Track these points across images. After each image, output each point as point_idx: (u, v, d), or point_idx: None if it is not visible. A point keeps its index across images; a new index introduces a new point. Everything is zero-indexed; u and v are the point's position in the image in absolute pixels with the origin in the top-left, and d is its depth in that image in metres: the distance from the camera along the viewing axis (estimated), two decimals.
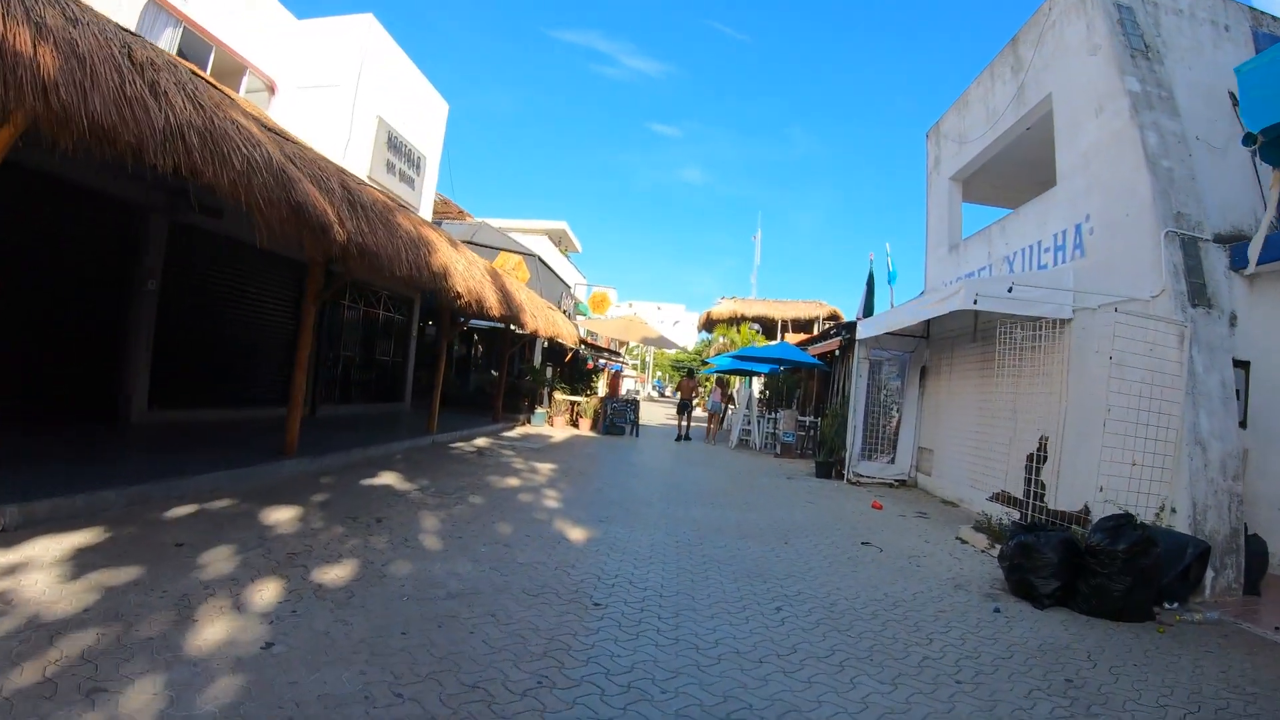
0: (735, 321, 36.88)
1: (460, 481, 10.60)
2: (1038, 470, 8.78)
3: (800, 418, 21.81)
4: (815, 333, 28.17)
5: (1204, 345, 7.85)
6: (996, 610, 6.37)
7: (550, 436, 19.84)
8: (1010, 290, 8.23)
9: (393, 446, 13.23)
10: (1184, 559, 6.88)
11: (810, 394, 24.97)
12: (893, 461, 15.25)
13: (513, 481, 11.08)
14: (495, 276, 13.42)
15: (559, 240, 42.67)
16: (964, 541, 9.28)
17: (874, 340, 14.72)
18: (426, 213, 21.81)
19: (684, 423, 24.41)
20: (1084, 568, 6.62)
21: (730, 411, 29.63)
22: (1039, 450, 8.80)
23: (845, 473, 14.94)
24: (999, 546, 8.44)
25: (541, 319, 16.68)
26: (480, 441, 16.48)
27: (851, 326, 18.79)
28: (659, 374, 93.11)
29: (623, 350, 68.97)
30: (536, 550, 7.00)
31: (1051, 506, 8.69)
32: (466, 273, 11.03)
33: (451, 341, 25.23)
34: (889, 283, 21.15)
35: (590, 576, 6.29)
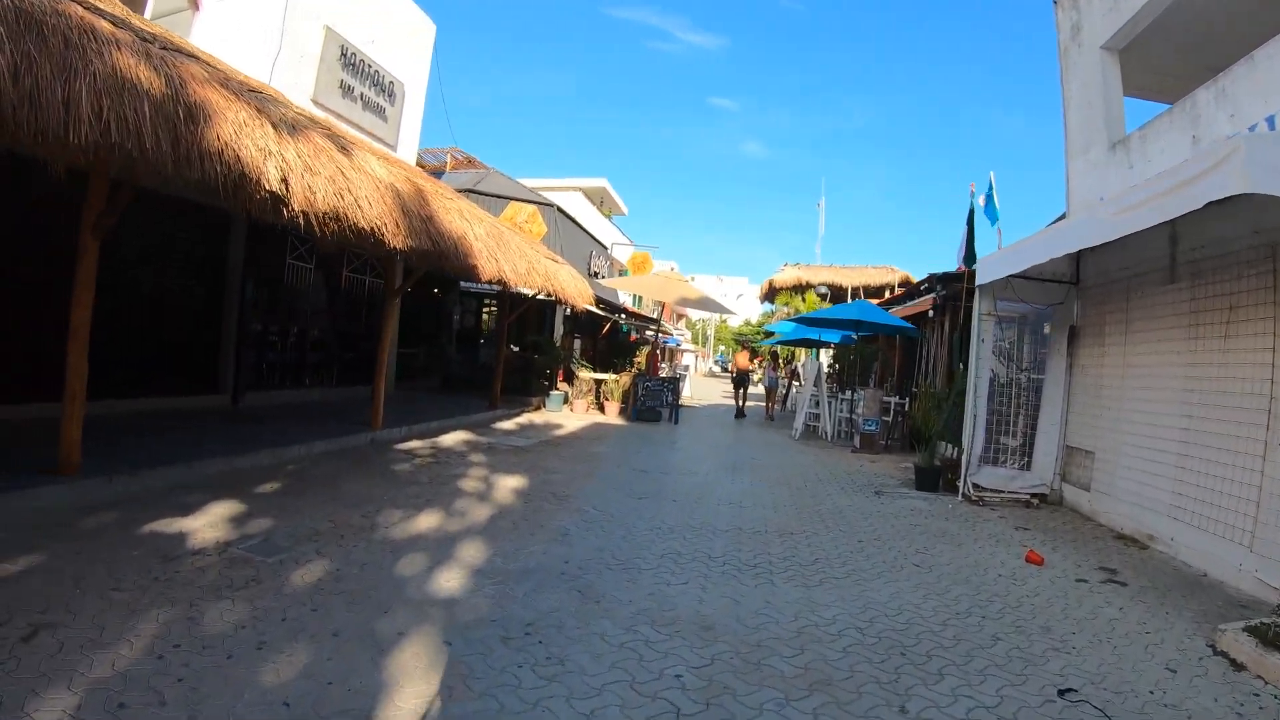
0: (800, 289, 33.14)
1: (334, 520, 6.47)
2: None
3: (885, 398, 16.77)
4: (886, 298, 23.67)
5: None
6: None
7: (559, 427, 15.42)
8: None
9: (290, 452, 9.24)
10: None
11: (892, 367, 20.18)
12: (1027, 467, 10.45)
13: (427, 520, 6.79)
14: (419, 198, 9.03)
15: (599, 200, 38.26)
16: (1238, 666, 4.70)
17: (1003, 285, 10.00)
18: (409, 149, 17.56)
19: (740, 401, 22.71)
20: None
21: (795, 390, 25.50)
22: None
23: (961, 484, 10.23)
24: None
25: (514, 267, 12.03)
26: (450, 439, 12.18)
27: (949, 278, 14.27)
28: (721, 348, 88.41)
29: (680, 322, 64.94)
30: None
31: None
32: (286, 161, 6.53)
33: (449, 303, 21.29)
34: (990, 220, 16.76)
35: None
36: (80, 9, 5.32)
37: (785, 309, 34.34)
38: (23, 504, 5.95)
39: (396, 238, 8.17)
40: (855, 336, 19.51)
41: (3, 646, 3.60)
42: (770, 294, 35.69)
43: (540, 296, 16.18)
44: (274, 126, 6.60)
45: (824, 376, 19.74)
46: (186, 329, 12.28)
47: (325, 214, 6.94)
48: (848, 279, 31.60)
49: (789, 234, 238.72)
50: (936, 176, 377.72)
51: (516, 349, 20.67)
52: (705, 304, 21.41)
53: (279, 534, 5.93)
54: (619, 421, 17.78)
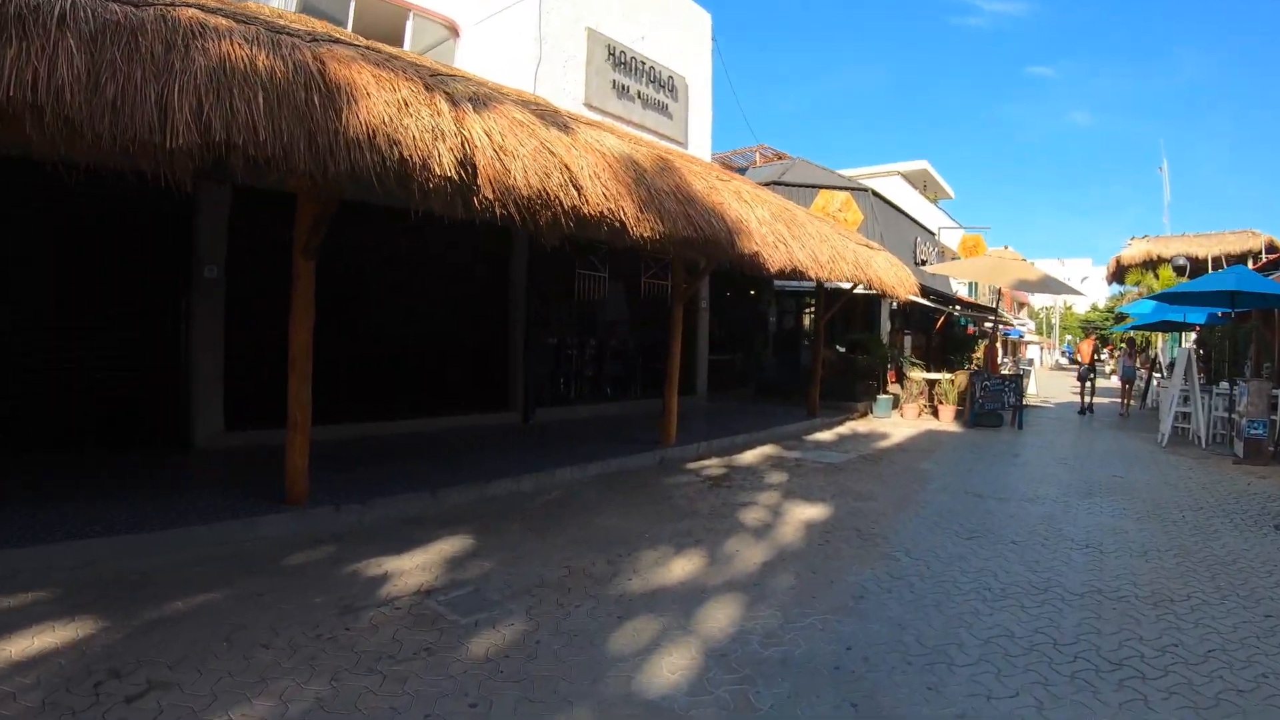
0: (1151, 265, 28.85)
1: (570, 566, 5.48)
2: None
3: (1275, 391, 12.73)
4: (1252, 266, 19.33)
5: None
6: None
7: (884, 437, 13.62)
8: None
9: (558, 475, 8.40)
10: None
11: (1271, 351, 15.97)
12: None
13: (683, 568, 5.55)
14: (670, 176, 7.72)
15: (922, 184, 35.70)
16: None
17: None
18: (701, 145, 16.64)
19: (1086, 397, 20.54)
20: None
21: (1156, 384, 21.68)
22: None
23: None
24: None
25: (811, 255, 10.44)
26: (752, 455, 10.86)
27: None
28: (1068, 337, 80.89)
29: (1022, 311, 59.97)
30: None
31: None
32: (488, 139, 5.51)
33: (764, 304, 20.00)
34: None
35: None
36: (194, 10, 4.84)
37: (1136, 288, 30.04)
38: (238, 534, 5.74)
39: (641, 225, 6.91)
40: (1223, 315, 15.76)
41: (104, 703, 3.26)
42: (1118, 273, 31.53)
43: (858, 290, 14.47)
44: (452, 102, 5.68)
45: (1194, 366, 15.83)
46: (474, 347, 12.13)
47: (530, 199, 5.86)
48: (1203, 248, 27.12)
49: (1129, 206, 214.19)
50: None
51: (842, 349, 18.99)
52: (1047, 285, 18.60)
53: (494, 583, 5.01)
54: (953, 428, 15.63)
